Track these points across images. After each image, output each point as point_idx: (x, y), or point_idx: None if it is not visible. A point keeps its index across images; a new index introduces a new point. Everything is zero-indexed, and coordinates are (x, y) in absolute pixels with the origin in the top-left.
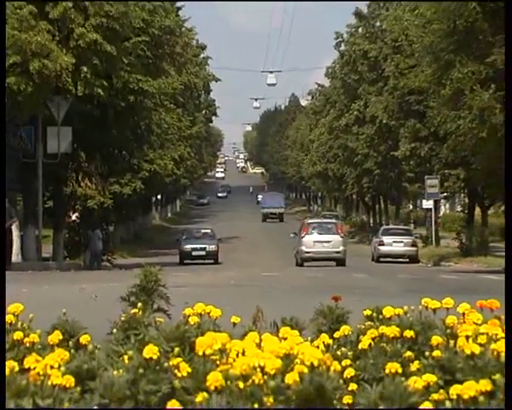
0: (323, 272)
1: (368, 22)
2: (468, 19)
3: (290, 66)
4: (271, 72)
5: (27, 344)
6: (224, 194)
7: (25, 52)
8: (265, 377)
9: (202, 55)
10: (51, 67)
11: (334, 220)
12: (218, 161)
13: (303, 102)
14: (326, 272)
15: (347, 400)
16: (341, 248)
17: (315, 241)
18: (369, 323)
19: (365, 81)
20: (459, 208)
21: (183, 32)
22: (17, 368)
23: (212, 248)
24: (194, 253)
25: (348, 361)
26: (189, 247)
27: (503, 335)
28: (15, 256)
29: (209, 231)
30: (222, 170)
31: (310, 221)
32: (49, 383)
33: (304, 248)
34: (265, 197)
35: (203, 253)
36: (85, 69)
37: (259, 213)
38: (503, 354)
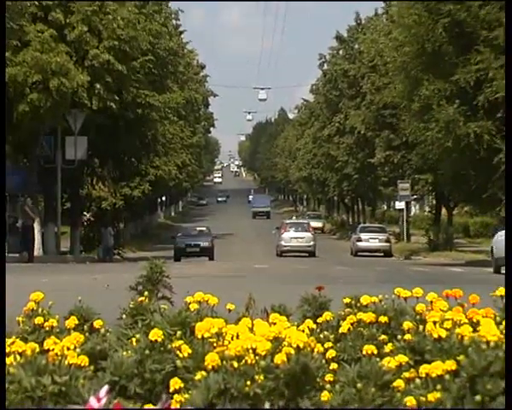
0: (308, 264)
1: (347, 45)
2: (436, 42)
3: (279, 83)
4: (262, 88)
5: (47, 328)
6: (224, 198)
7: (46, 71)
8: (257, 357)
9: (202, 74)
10: (69, 84)
11: (306, 221)
12: (216, 168)
13: (290, 115)
14: (310, 264)
15: (329, 377)
16: (312, 243)
17: (291, 237)
18: (349, 310)
19: (345, 97)
20: (427, 209)
21: (185, 53)
22: (38, 349)
23: (206, 244)
24: (188, 249)
25: (330, 344)
26: (183, 243)
27: (467, 320)
28: (37, 251)
29: (204, 228)
30: (219, 175)
31: (288, 221)
32: (66, 362)
33: (283, 242)
34: (255, 198)
35: (197, 249)
36: (99, 86)
37: (250, 212)
38: (466, 338)
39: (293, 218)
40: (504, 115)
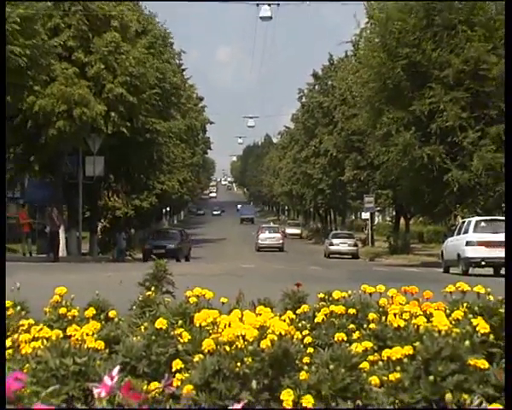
0: (288, 264)
1: (322, 81)
2: (395, 80)
3: (265, 112)
4: (251, 117)
5: (69, 317)
6: (218, 212)
7: (70, 102)
8: (246, 343)
9: (200, 105)
10: (89, 113)
11: (277, 225)
12: (211, 184)
13: (274, 140)
14: (290, 264)
15: (306, 360)
16: (281, 241)
17: (266, 237)
18: (323, 303)
19: (320, 124)
20: (388, 218)
21: (187, 87)
22: (61, 335)
23: (172, 246)
24: (154, 251)
25: (307, 331)
26: (150, 245)
27: (421, 312)
28: (61, 252)
29: (175, 231)
30: (214, 191)
31: (263, 226)
32: (85, 346)
33: (260, 241)
34: (242, 208)
35: (163, 251)
36: (113, 114)
37: (239, 219)
38: (421, 327)
39: (271, 224)
40: (504, 116)
